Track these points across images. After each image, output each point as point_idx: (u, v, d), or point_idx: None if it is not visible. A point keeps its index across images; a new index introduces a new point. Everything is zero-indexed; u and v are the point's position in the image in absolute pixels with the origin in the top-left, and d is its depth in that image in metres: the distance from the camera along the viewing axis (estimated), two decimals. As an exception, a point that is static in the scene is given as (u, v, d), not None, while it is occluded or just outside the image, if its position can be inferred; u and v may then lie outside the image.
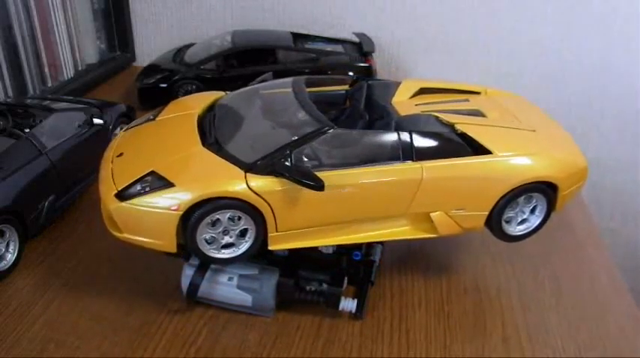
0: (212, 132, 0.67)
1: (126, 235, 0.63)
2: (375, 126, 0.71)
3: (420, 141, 0.64)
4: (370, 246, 0.75)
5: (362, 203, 0.64)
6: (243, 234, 0.63)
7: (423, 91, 0.78)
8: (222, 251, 0.64)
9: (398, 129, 0.66)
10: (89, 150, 0.87)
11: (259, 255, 0.72)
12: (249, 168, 0.60)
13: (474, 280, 0.77)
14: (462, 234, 0.69)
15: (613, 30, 1.26)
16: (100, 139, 0.89)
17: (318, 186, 0.58)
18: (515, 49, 1.32)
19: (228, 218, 0.61)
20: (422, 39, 1.35)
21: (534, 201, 0.69)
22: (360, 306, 0.69)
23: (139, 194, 0.60)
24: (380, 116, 0.72)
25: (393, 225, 0.67)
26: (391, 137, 0.64)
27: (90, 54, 1.35)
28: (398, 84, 0.79)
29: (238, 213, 0.61)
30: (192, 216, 0.60)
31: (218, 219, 0.61)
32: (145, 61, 1.37)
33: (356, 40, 1.28)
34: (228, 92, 0.78)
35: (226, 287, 0.68)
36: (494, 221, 0.68)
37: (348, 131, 0.65)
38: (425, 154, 0.64)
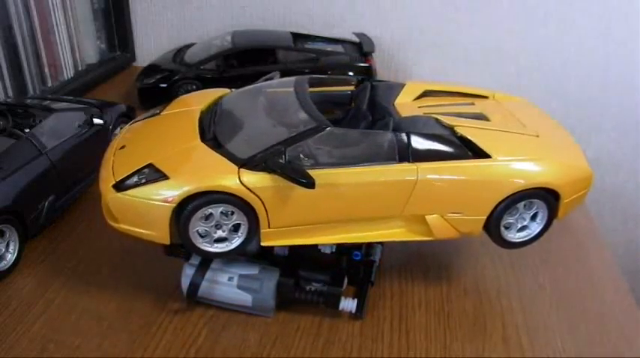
0: (211, 128, 0.68)
1: (122, 225, 0.64)
2: (376, 127, 0.71)
3: (417, 143, 0.64)
4: (370, 246, 0.75)
5: (355, 202, 0.64)
6: (236, 229, 0.64)
7: (428, 94, 0.78)
8: (215, 245, 0.64)
9: (396, 130, 0.65)
10: (89, 150, 0.87)
11: (259, 255, 0.72)
12: (243, 163, 0.61)
13: (474, 280, 0.77)
14: (460, 238, 0.69)
15: (613, 30, 1.26)
16: (100, 139, 0.89)
17: (309, 183, 0.59)
18: (515, 49, 1.31)
19: (221, 212, 0.62)
20: (422, 39, 1.35)
21: (535, 207, 0.68)
22: (360, 306, 0.69)
23: (135, 185, 0.62)
24: (382, 117, 0.72)
25: (388, 226, 0.67)
26: (388, 138, 0.64)
27: (90, 54, 1.35)
28: (402, 85, 0.78)
29: (231, 208, 0.62)
30: (185, 209, 0.61)
31: (211, 213, 0.62)
32: (145, 61, 1.37)
33: (356, 40, 1.28)
34: (233, 89, 0.78)
35: (226, 287, 0.68)
36: (493, 226, 0.67)
37: (344, 130, 0.65)
38: (422, 156, 0.64)
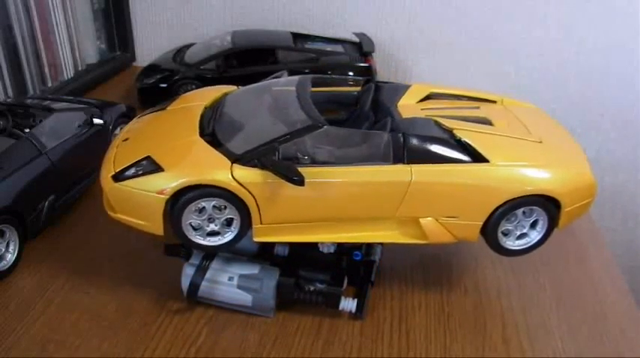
0: (211, 123, 0.69)
1: (119, 215, 0.66)
2: (376, 128, 0.71)
3: (413, 144, 0.63)
4: (370, 246, 0.75)
5: (347, 202, 0.64)
6: (229, 223, 0.65)
7: (433, 96, 0.77)
8: (208, 238, 0.65)
9: (394, 131, 0.65)
10: (89, 150, 0.87)
11: (259, 255, 0.72)
12: (237, 159, 0.62)
13: (474, 281, 0.77)
14: (455, 243, 0.68)
15: (613, 30, 1.26)
16: (100, 139, 0.89)
17: (299, 180, 0.59)
18: (515, 49, 1.31)
19: (214, 206, 0.63)
20: (422, 39, 1.35)
21: (534, 215, 0.66)
22: (360, 306, 0.69)
23: (132, 176, 0.63)
24: (384, 118, 0.72)
25: (382, 227, 0.66)
26: (383, 138, 0.64)
27: (90, 54, 1.35)
28: (407, 87, 0.78)
29: (223, 202, 0.63)
30: (178, 201, 0.62)
31: (204, 207, 0.63)
32: (145, 61, 1.37)
33: (356, 40, 1.27)
34: (240, 87, 0.79)
35: (226, 287, 0.68)
36: (490, 232, 0.66)
37: (339, 130, 0.65)
38: (417, 158, 0.63)
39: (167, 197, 0.62)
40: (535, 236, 0.68)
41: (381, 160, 0.63)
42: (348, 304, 0.69)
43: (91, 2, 1.33)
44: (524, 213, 0.66)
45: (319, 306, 0.69)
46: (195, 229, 0.65)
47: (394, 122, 0.68)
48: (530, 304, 0.74)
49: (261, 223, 0.64)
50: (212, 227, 0.64)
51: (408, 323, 0.70)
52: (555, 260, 0.82)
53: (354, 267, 0.73)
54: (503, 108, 0.77)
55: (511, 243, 0.68)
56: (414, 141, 0.64)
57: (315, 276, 0.69)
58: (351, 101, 0.78)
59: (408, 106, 0.74)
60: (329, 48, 1.24)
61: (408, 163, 0.63)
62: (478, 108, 0.75)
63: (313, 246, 0.72)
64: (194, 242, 0.65)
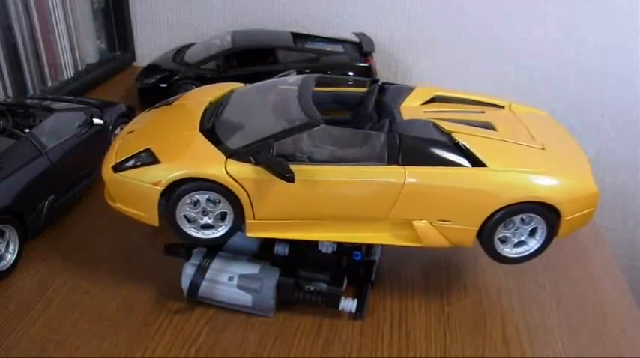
0: (212, 119, 0.70)
1: (118, 205, 0.68)
2: (374, 129, 0.70)
3: (409, 146, 0.63)
4: (370, 246, 0.75)
5: (340, 201, 0.64)
6: (223, 217, 0.65)
7: (437, 99, 0.77)
8: (202, 231, 0.66)
9: (391, 132, 0.65)
10: (89, 150, 0.87)
11: (259, 255, 0.72)
12: (232, 154, 0.63)
13: (475, 281, 0.77)
14: (450, 248, 0.67)
15: (613, 30, 1.25)
16: (100, 139, 0.89)
17: (289, 177, 0.59)
18: (515, 49, 1.31)
19: (208, 199, 0.64)
20: (422, 39, 1.35)
21: (533, 223, 0.65)
22: (360, 306, 0.69)
23: (131, 167, 0.65)
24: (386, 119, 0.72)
25: (375, 228, 0.66)
26: (379, 139, 0.64)
27: (90, 54, 1.35)
28: (411, 89, 0.77)
29: (217, 196, 0.64)
30: (173, 193, 0.63)
31: (198, 200, 0.64)
32: (144, 61, 1.37)
33: (356, 40, 1.27)
34: (247, 84, 0.80)
35: (226, 287, 0.68)
36: (486, 239, 0.65)
37: (335, 129, 0.65)
38: (412, 159, 0.63)
39: (162, 188, 0.63)
40: (534, 244, 0.67)
41: (377, 161, 0.63)
42: (348, 304, 0.69)
43: (91, 2, 1.33)
44: (523, 220, 0.65)
45: (319, 306, 0.69)
46: (189, 221, 0.66)
47: (393, 123, 0.68)
48: (530, 304, 0.74)
49: (254, 218, 0.65)
50: (206, 220, 0.65)
51: (408, 324, 0.70)
52: (555, 260, 0.82)
53: (354, 267, 0.73)
54: (509, 113, 0.75)
55: (509, 251, 0.67)
56: (410, 143, 0.63)
57: (315, 276, 0.69)
58: (357, 102, 0.78)
59: (410, 108, 0.74)
60: (329, 48, 1.24)
61: (402, 165, 0.63)
62: (483, 112, 0.74)
63: (313, 245, 0.72)
64: (188, 234, 0.66)
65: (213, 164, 0.62)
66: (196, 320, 0.68)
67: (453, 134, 0.64)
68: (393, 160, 0.63)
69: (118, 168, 0.66)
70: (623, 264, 0.88)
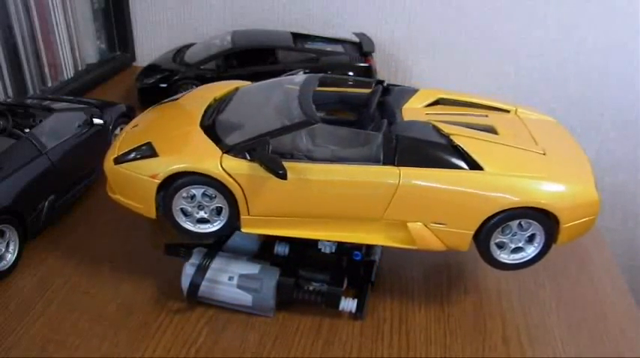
0: (213, 115, 0.71)
1: (118, 196, 0.70)
2: (373, 129, 0.70)
3: (405, 147, 0.63)
4: (370, 246, 0.75)
5: (333, 200, 0.64)
6: (219, 212, 0.66)
7: (441, 102, 0.76)
8: (198, 225, 0.67)
9: (388, 132, 0.65)
10: (89, 150, 0.87)
11: (259, 255, 0.72)
12: (228, 149, 0.64)
13: (475, 281, 0.77)
14: (446, 251, 0.67)
15: (613, 30, 1.25)
16: (100, 139, 0.89)
17: (282, 174, 0.60)
18: (515, 49, 1.31)
19: (203, 194, 0.65)
20: (422, 39, 1.35)
21: (531, 229, 0.64)
22: (360, 306, 0.69)
23: (131, 160, 0.66)
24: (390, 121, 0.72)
25: (369, 228, 0.66)
26: (376, 139, 0.64)
27: (90, 54, 1.35)
28: (415, 91, 0.77)
29: (212, 191, 0.64)
30: (170, 187, 0.64)
31: (194, 194, 0.65)
32: (144, 61, 1.37)
33: (356, 40, 1.27)
34: (253, 82, 0.81)
35: (227, 287, 0.68)
36: (482, 243, 0.65)
37: (331, 128, 0.66)
38: (408, 160, 0.62)
39: (159, 181, 0.64)
40: (532, 251, 0.66)
41: (372, 161, 0.63)
42: (348, 304, 0.69)
43: (91, 2, 1.33)
44: (521, 226, 0.64)
45: (319, 306, 0.69)
46: (185, 215, 0.67)
47: (392, 124, 0.68)
48: (530, 304, 0.74)
49: (248, 214, 0.65)
50: (202, 214, 0.66)
51: (408, 324, 0.70)
52: (555, 260, 0.81)
53: (354, 267, 0.73)
54: (514, 117, 0.74)
55: (505, 257, 0.66)
56: (407, 144, 0.63)
57: (315, 276, 0.69)
58: (362, 102, 0.77)
59: (412, 110, 0.74)
60: (329, 48, 1.24)
61: (398, 165, 0.63)
62: (486, 116, 0.74)
63: (313, 245, 0.72)
64: (184, 227, 0.67)
65: (209, 159, 0.63)
66: (196, 320, 0.68)
67: (451, 136, 0.64)
68: (388, 161, 0.63)
69: (119, 160, 0.67)
70: (623, 264, 0.88)
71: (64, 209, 0.84)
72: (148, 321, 0.68)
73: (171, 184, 0.64)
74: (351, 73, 1.20)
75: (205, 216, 0.66)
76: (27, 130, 0.81)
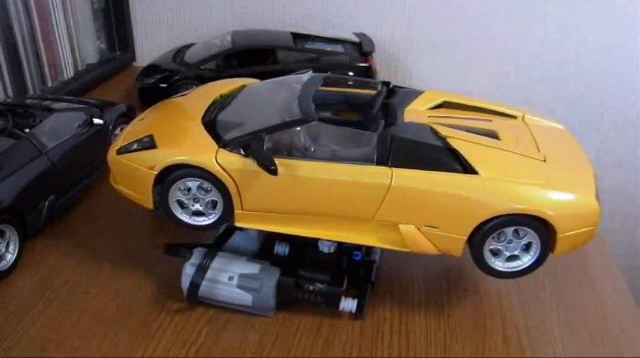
0: (216, 111, 0.72)
1: (119, 186, 0.72)
2: (370, 130, 0.70)
3: (399, 148, 0.63)
4: (370, 246, 0.75)
5: (325, 198, 0.64)
6: (214, 205, 0.67)
7: (445, 105, 0.75)
8: (194, 217, 0.68)
9: (384, 133, 0.65)
10: (89, 150, 0.87)
11: (259, 255, 0.72)
12: (224, 144, 0.65)
13: (474, 281, 0.77)
14: (438, 255, 0.66)
15: (613, 30, 1.26)
16: (100, 139, 0.89)
17: (273, 170, 0.61)
18: (515, 49, 1.31)
19: (199, 186, 0.66)
20: (422, 39, 1.35)
21: (527, 237, 0.63)
22: (360, 306, 0.69)
23: (133, 151, 0.68)
24: (392, 122, 0.71)
25: (361, 229, 0.66)
26: (370, 139, 0.64)
27: (90, 54, 1.35)
28: (420, 93, 0.77)
29: (207, 184, 0.65)
30: (166, 178, 0.66)
31: (190, 187, 0.66)
32: (144, 61, 1.37)
33: (356, 40, 1.27)
34: (260, 80, 0.82)
35: (227, 287, 0.68)
36: (475, 249, 0.64)
37: (327, 126, 0.66)
38: (402, 161, 0.62)
39: (156, 173, 0.66)
40: (527, 260, 0.64)
41: (366, 161, 0.63)
42: (348, 304, 0.69)
43: (91, 2, 1.33)
44: (517, 234, 0.63)
45: (319, 306, 0.69)
46: (182, 207, 0.68)
47: (391, 125, 0.68)
48: (530, 304, 0.74)
49: (242, 209, 0.66)
50: (197, 207, 0.67)
51: (408, 324, 0.70)
52: (555, 260, 0.81)
53: (354, 267, 0.73)
54: (519, 123, 0.73)
55: (500, 264, 0.65)
56: (402, 145, 0.63)
57: (315, 276, 0.69)
58: (368, 104, 0.77)
59: (414, 112, 0.73)
60: (329, 48, 1.24)
61: (391, 166, 0.62)
62: (490, 121, 0.72)
63: (313, 245, 0.72)
64: (180, 220, 0.68)
65: (205, 153, 0.64)
66: (196, 320, 0.68)
67: (447, 139, 0.63)
68: (382, 161, 0.63)
69: (121, 150, 0.69)
70: (623, 264, 0.88)
71: (64, 209, 0.84)
72: (148, 321, 0.68)
73: (168, 176, 0.66)
74: (351, 73, 1.20)
75: (201, 208, 0.67)
76: (27, 130, 0.81)
